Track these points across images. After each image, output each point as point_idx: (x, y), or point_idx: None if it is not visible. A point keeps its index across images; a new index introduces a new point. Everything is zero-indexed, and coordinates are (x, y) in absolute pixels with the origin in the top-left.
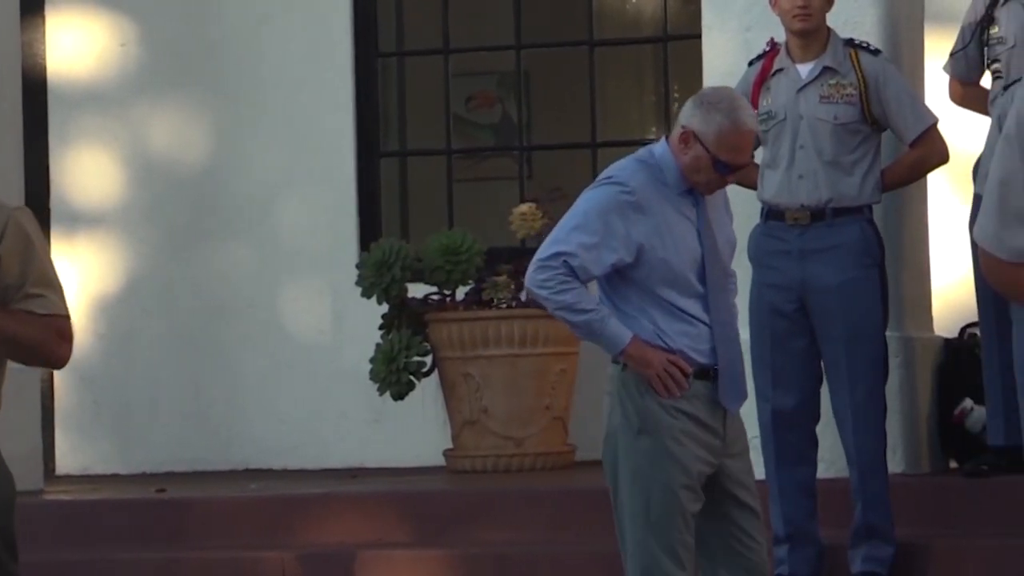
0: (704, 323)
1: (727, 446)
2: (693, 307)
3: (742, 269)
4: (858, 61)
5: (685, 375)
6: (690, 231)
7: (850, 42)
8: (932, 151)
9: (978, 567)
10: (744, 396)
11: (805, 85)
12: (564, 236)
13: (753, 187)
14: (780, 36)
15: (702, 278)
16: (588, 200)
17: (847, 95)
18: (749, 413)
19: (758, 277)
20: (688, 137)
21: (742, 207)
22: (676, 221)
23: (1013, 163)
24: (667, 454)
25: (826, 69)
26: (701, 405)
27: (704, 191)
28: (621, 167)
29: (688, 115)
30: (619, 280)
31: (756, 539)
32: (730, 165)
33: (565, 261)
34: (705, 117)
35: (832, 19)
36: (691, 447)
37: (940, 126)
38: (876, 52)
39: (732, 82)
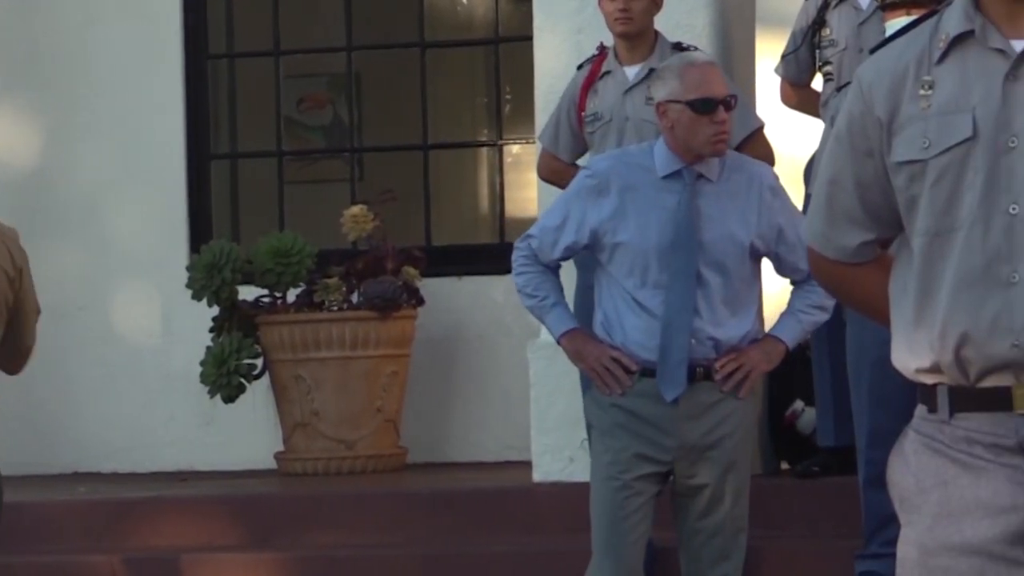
0: (659, 318)
1: (684, 446)
2: (651, 299)
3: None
4: None
5: (630, 372)
6: (666, 218)
7: (678, 45)
8: (757, 154)
9: (810, 568)
10: (680, 386)
11: (632, 87)
12: (539, 221)
13: None
14: (610, 38)
15: (669, 267)
16: (567, 188)
17: None
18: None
19: (583, 280)
20: (662, 108)
21: None
22: (649, 206)
23: (842, 163)
24: (601, 449)
25: (652, 71)
26: (645, 402)
27: (714, 151)
28: (601, 156)
29: (655, 95)
30: (598, 269)
31: (709, 536)
32: (705, 99)
33: (529, 243)
34: (663, 82)
35: (663, 21)
36: (626, 443)
37: (771, 128)
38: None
39: (562, 84)
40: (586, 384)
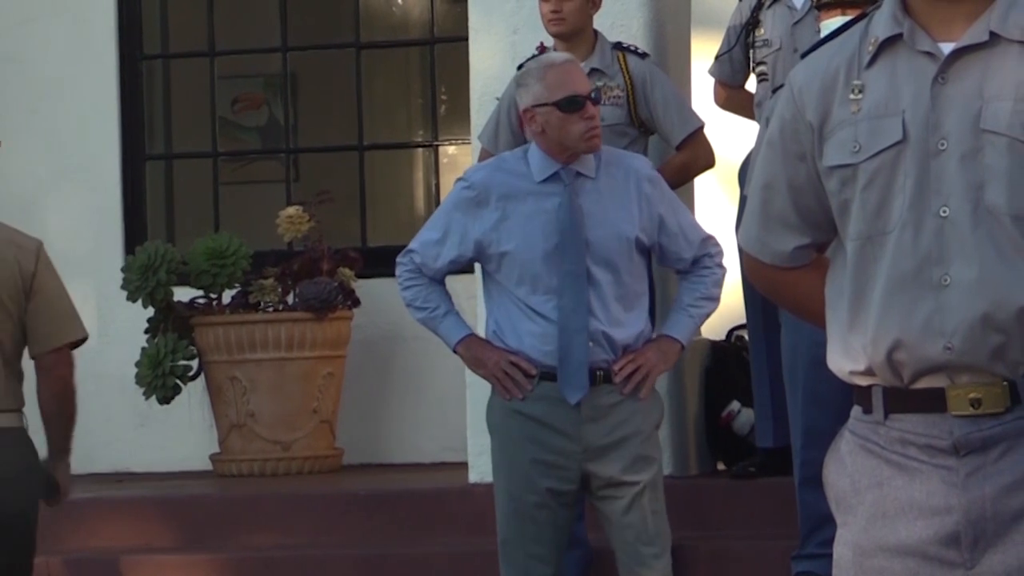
0: (554, 322)
1: (589, 448)
2: (544, 305)
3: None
4: (626, 64)
5: (530, 376)
6: (550, 221)
7: (618, 45)
8: (698, 154)
9: (746, 568)
10: (583, 389)
11: None
12: (419, 235)
13: None
14: (548, 38)
15: (559, 270)
16: (445, 200)
17: (614, 97)
18: None
19: None
20: (529, 114)
21: None
22: (531, 213)
23: (775, 167)
24: (502, 458)
25: (593, 71)
26: (545, 406)
27: (589, 146)
28: (476, 167)
29: (520, 102)
30: (486, 278)
31: (634, 529)
32: (572, 97)
33: (411, 258)
34: (526, 88)
35: (599, 21)
36: (528, 450)
37: (706, 129)
38: (644, 55)
39: (500, 85)
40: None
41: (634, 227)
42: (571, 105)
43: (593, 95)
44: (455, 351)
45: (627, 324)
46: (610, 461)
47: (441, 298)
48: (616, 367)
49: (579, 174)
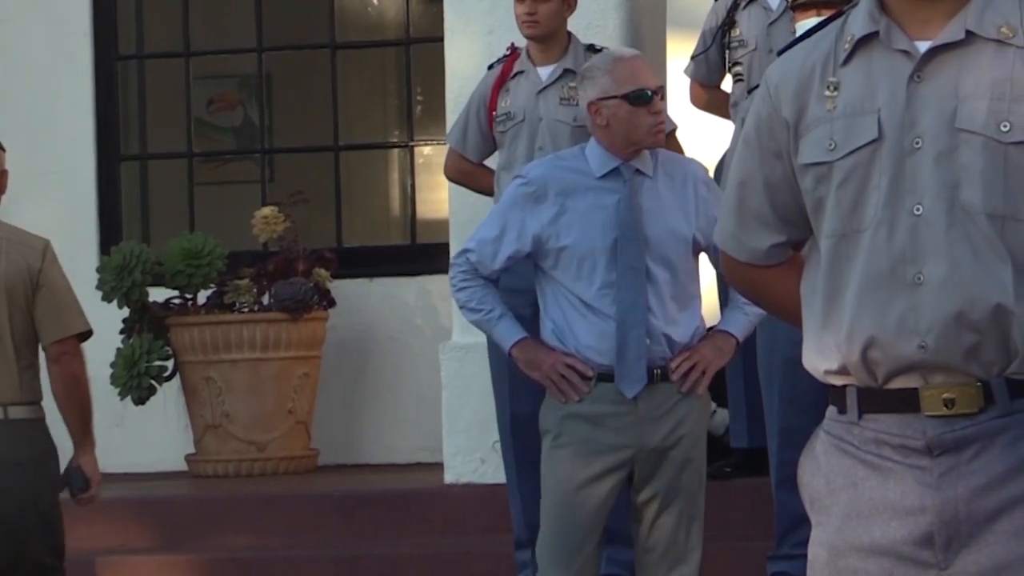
0: (612, 318)
1: (644, 448)
2: (601, 300)
3: None
4: None
5: (586, 378)
6: (609, 216)
7: (591, 47)
8: None
9: (722, 569)
10: (641, 382)
11: (545, 87)
12: (474, 234)
13: (489, 192)
14: (522, 38)
15: (617, 265)
16: (502, 199)
17: None
18: (491, 419)
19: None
20: (595, 107)
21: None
22: (589, 208)
23: (751, 165)
24: (553, 459)
25: (566, 71)
26: (604, 406)
27: (655, 141)
28: (534, 163)
29: (584, 96)
30: (542, 277)
31: (665, 536)
32: (640, 91)
33: (467, 257)
34: (592, 81)
35: (574, 22)
36: (582, 453)
37: (681, 130)
38: None
39: (473, 85)
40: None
41: (691, 227)
42: (640, 98)
43: (661, 89)
44: (509, 354)
45: (682, 323)
46: (661, 463)
47: (495, 300)
48: (673, 364)
49: (638, 171)
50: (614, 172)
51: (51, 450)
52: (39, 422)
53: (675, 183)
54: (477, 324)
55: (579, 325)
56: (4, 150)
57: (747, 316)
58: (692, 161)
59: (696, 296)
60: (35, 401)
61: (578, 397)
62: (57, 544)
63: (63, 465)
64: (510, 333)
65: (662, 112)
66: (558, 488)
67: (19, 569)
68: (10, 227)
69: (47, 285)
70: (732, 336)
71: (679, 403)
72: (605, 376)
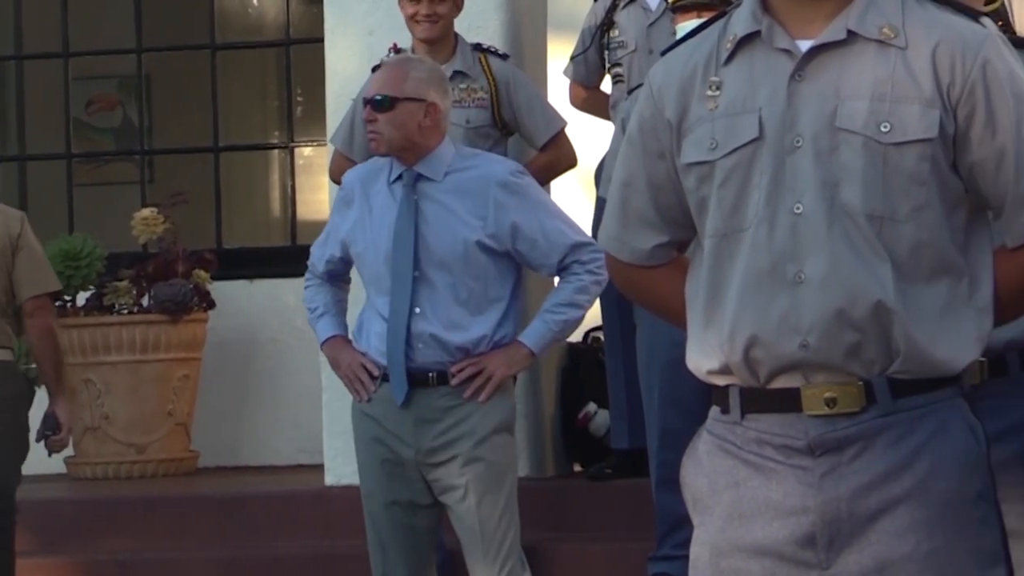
0: (387, 322)
1: (420, 450)
2: (385, 306)
3: None
4: (488, 66)
5: (374, 378)
6: (391, 222)
7: (479, 47)
8: (561, 155)
9: (602, 570)
10: (400, 385)
11: None
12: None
13: None
14: (403, 39)
15: (392, 271)
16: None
17: (478, 99)
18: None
19: None
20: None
21: None
22: (380, 213)
23: (635, 165)
24: (358, 460)
25: (456, 73)
26: (384, 407)
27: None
28: (359, 165)
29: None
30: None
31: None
32: (366, 100)
33: (309, 259)
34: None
35: (456, 23)
36: (375, 452)
37: (566, 130)
38: (505, 57)
39: (354, 86)
40: None
41: (476, 231)
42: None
43: (373, 98)
44: (322, 350)
45: (471, 328)
46: (443, 464)
47: (323, 299)
48: (454, 368)
49: (421, 176)
50: (400, 177)
51: (27, 391)
52: (13, 364)
53: (469, 185)
54: (309, 322)
55: (372, 327)
56: None
57: (546, 324)
58: (499, 163)
59: (502, 300)
60: (10, 346)
61: (367, 396)
62: (16, 481)
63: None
64: (324, 331)
65: (374, 121)
66: (365, 490)
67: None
68: None
69: (25, 248)
70: (524, 346)
71: (458, 407)
72: (385, 376)
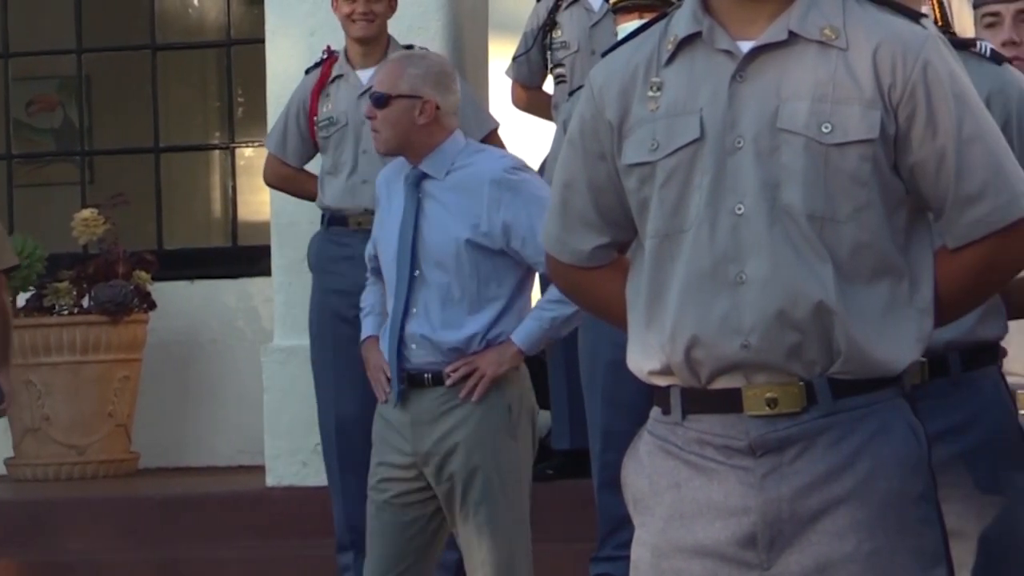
0: None
1: (419, 453)
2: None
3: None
4: None
5: (389, 378)
6: (397, 222)
7: (409, 48)
8: None
9: (544, 571)
10: (395, 390)
11: (366, 91)
12: None
13: (311, 197)
14: (343, 40)
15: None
16: None
17: None
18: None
19: (320, 283)
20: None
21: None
22: (396, 212)
23: (576, 166)
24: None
25: None
26: (390, 409)
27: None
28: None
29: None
30: None
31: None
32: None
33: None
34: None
35: (396, 24)
36: (380, 451)
37: (503, 131)
38: None
39: (295, 87)
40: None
41: (469, 229)
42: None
43: (373, 94)
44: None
45: (466, 327)
46: (442, 469)
47: (370, 298)
48: (449, 369)
49: (425, 175)
50: (408, 176)
51: None
52: None
53: (466, 184)
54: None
55: (385, 327)
56: None
57: (537, 322)
58: (495, 159)
59: (499, 299)
60: None
61: (384, 398)
62: None
63: None
64: (364, 331)
65: (374, 118)
66: (369, 479)
67: None
68: None
69: None
70: (513, 344)
71: (453, 409)
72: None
